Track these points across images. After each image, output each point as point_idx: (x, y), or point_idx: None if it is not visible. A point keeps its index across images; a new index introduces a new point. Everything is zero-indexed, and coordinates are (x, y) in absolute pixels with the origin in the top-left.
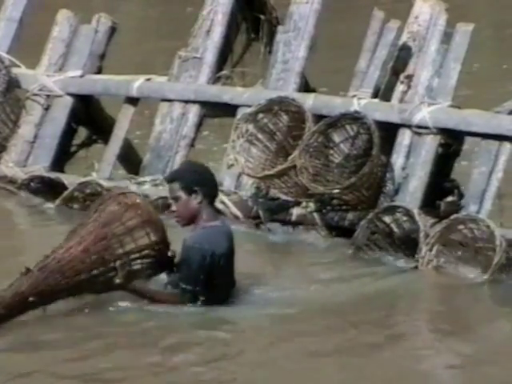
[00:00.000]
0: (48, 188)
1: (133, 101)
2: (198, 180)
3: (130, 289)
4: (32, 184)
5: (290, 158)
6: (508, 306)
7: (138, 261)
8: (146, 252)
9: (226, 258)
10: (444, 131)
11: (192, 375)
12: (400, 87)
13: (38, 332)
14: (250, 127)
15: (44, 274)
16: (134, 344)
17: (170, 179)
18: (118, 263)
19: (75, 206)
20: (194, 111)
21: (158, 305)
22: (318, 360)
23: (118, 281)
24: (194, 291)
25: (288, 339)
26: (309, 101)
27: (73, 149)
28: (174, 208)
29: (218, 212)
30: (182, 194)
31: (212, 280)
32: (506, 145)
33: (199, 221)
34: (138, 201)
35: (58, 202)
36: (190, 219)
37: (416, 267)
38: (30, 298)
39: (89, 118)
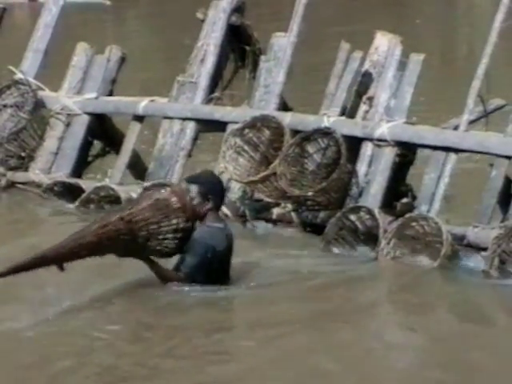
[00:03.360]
0: (68, 191)
1: (139, 118)
2: (213, 190)
3: (150, 261)
4: (55, 188)
5: (271, 166)
6: (453, 288)
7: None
8: (180, 235)
9: (224, 255)
10: (400, 144)
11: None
12: (363, 107)
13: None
14: (238, 140)
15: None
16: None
17: (192, 181)
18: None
19: (91, 206)
20: (190, 127)
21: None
22: (290, 332)
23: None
24: (194, 277)
25: (267, 313)
26: (286, 118)
27: (89, 159)
28: None
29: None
30: (196, 198)
31: (210, 270)
32: (452, 155)
33: (206, 221)
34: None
35: (76, 203)
36: (198, 219)
37: (376, 258)
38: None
39: (103, 133)
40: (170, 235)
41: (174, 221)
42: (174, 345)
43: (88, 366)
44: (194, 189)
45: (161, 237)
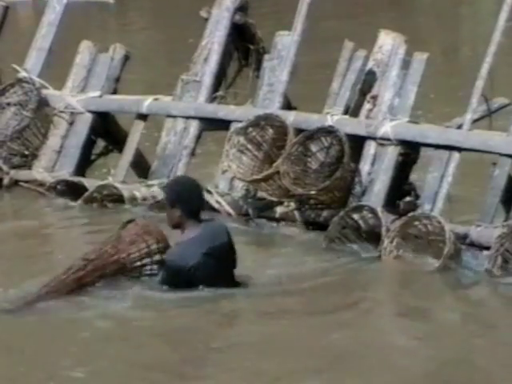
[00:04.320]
0: (71, 190)
1: (143, 117)
2: (178, 196)
3: None
4: (58, 186)
5: (274, 164)
6: (455, 288)
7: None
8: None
9: (202, 264)
10: (403, 142)
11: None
12: (366, 106)
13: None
14: (241, 139)
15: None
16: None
17: (162, 188)
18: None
19: (94, 205)
20: (194, 126)
21: None
22: (293, 331)
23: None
24: None
25: (273, 312)
26: (290, 117)
27: (92, 157)
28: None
29: (215, 210)
30: (166, 205)
31: (194, 283)
32: (455, 154)
33: (183, 230)
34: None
35: (79, 201)
36: (175, 226)
37: (379, 256)
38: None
39: (106, 131)
40: (146, 260)
41: (143, 244)
42: (175, 351)
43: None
44: (163, 197)
45: (138, 263)
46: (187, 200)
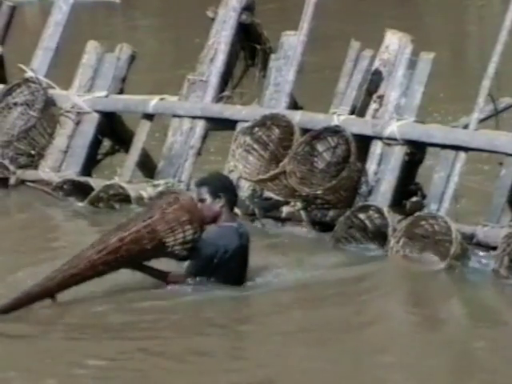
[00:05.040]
0: (78, 190)
1: (149, 117)
2: (223, 187)
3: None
4: (65, 186)
5: (280, 164)
6: (461, 288)
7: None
8: (189, 245)
9: (237, 254)
10: (409, 142)
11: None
12: (373, 105)
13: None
14: (248, 139)
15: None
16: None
17: (200, 184)
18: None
19: (100, 204)
20: (200, 125)
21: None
22: (301, 332)
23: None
24: (199, 276)
25: (274, 315)
26: (296, 117)
27: (99, 157)
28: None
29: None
30: (208, 198)
31: (219, 270)
32: (461, 154)
33: (219, 222)
34: (193, 212)
35: (86, 201)
36: (212, 219)
37: (385, 256)
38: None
39: (112, 131)
40: (177, 247)
41: (180, 234)
42: (184, 349)
43: None
44: (203, 191)
45: (169, 250)
46: (231, 191)
